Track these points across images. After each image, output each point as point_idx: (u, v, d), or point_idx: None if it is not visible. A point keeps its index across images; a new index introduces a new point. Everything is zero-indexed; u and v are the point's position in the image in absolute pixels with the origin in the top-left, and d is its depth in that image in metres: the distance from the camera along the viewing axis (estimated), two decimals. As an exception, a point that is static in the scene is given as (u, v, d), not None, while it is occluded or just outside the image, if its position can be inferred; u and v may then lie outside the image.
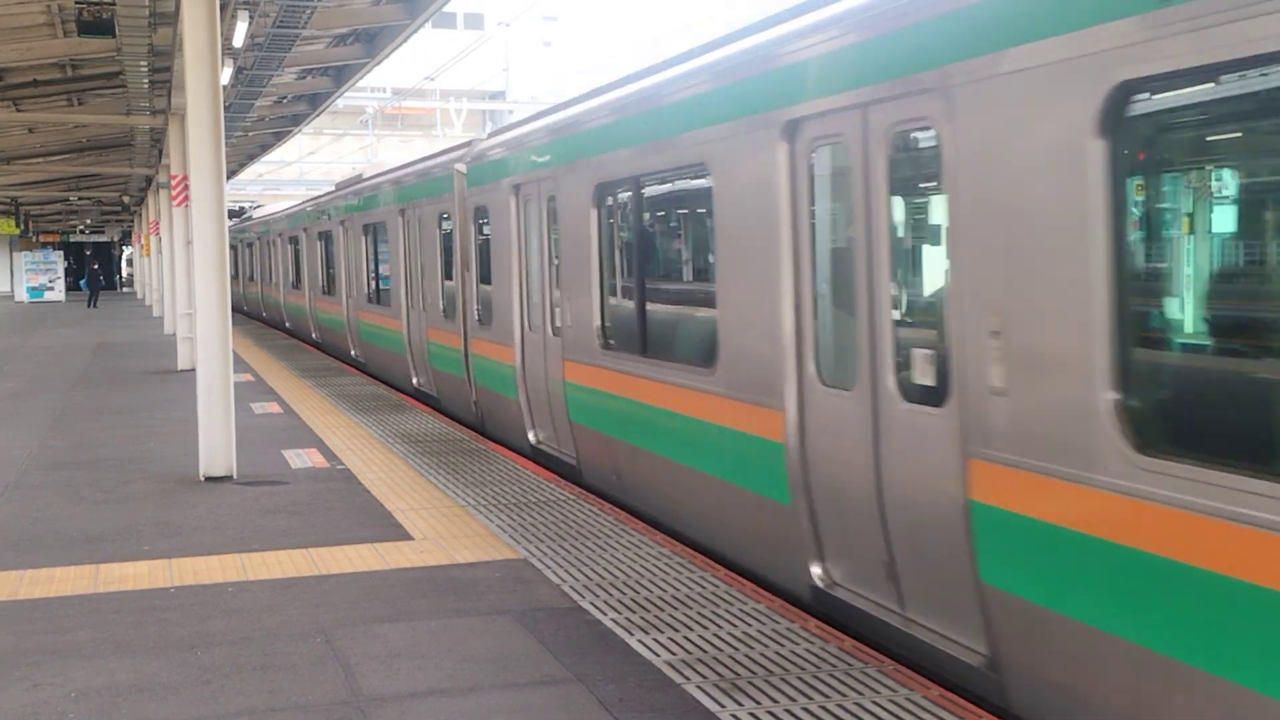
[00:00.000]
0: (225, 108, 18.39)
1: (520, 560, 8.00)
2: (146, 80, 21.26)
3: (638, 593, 7.18)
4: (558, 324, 11.08)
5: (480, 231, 13.97)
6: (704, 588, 7.24)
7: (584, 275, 10.32)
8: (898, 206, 6.25)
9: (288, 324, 31.43)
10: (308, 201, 28.65)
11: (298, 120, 32.28)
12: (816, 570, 7.00)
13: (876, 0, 6.24)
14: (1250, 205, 4.66)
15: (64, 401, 17.55)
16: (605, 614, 6.78)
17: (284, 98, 28.40)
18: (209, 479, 11.16)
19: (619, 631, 6.48)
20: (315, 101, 29.39)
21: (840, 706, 5.39)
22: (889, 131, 6.10)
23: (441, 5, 18.67)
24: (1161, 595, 4.53)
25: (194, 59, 11.40)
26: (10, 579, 7.87)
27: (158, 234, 36.20)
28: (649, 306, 9.41)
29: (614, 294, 10.14)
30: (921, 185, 6.24)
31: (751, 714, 5.32)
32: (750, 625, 6.53)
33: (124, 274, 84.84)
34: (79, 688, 5.88)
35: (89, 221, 68.78)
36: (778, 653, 6.09)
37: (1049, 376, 5.02)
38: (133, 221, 61.38)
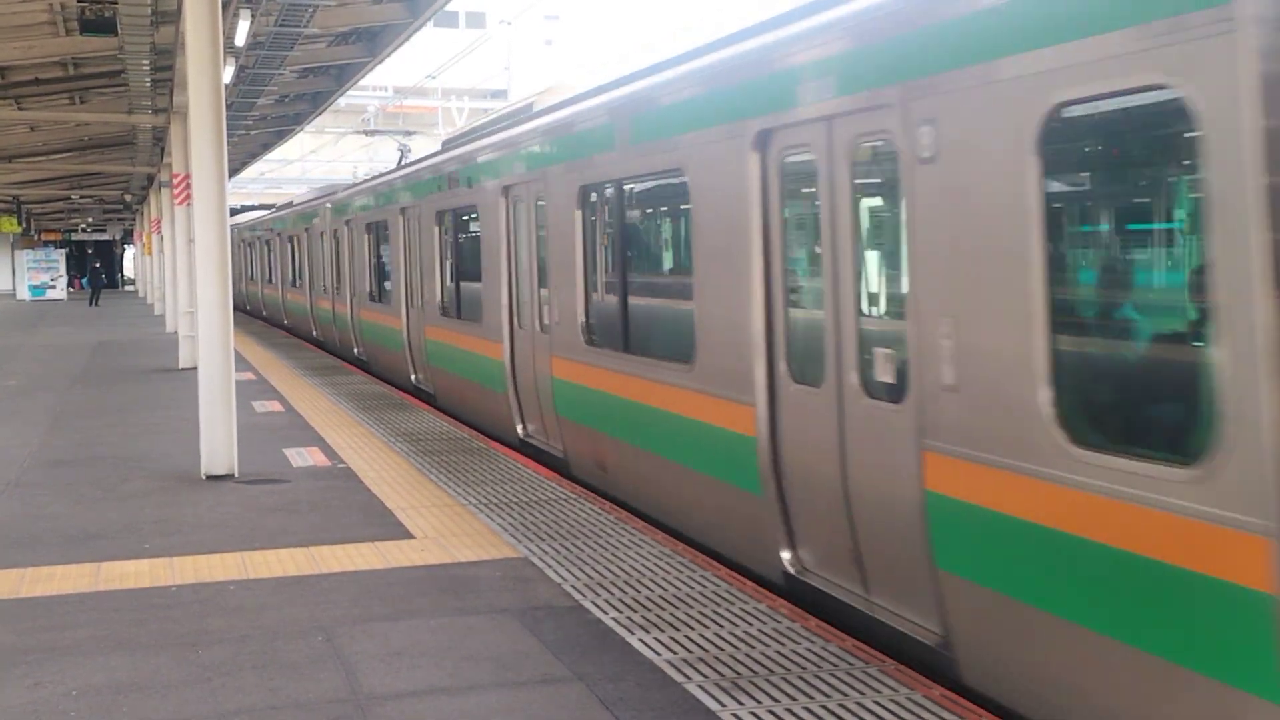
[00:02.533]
0: (227, 106, 18.37)
1: (521, 559, 8.00)
2: (149, 79, 21.26)
3: (638, 591, 7.17)
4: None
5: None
6: (705, 586, 7.24)
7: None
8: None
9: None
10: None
11: (299, 119, 32.28)
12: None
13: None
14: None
15: (65, 399, 17.55)
16: (606, 613, 6.78)
17: (286, 96, 28.40)
18: (210, 477, 11.16)
19: (619, 630, 6.47)
20: (317, 100, 29.39)
21: (841, 705, 5.39)
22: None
23: (443, 4, 18.68)
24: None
25: (196, 58, 11.40)
26: (11, 577, 7.88)
27: (159, 232, 36.23)
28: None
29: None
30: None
31: (752, 713, 5.32)
32: (751, 624, 6.53)
33: (124, 273, 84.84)
34: (79, 686, 5.88)
35: (91, 220, 68.78)
36: (779, 652, 6.09)
37: None
38: (134, 220, 61.40)
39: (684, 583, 7.34)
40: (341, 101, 32.13)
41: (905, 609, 6.28)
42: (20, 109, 24.89)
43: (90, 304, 53.10)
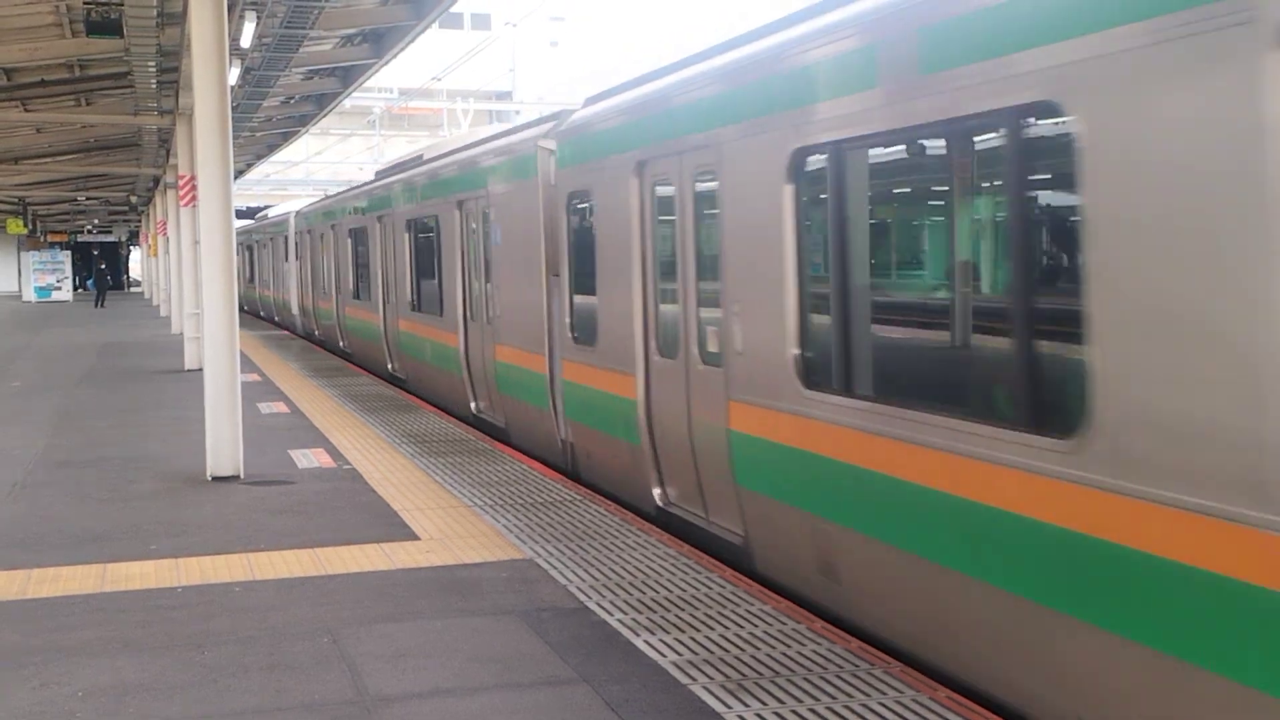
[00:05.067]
0: (233, 108, 18.41)
1: (526, 560, 8.00)
2: (154, 80, 21.30)
3: (644, 593, 7.17)
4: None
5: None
6: (710, 588, 7.24)
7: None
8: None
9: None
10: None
11: (305, 120, 32.32)
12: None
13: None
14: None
15: (71, 400, 17.57)
16: (611, 614, 6.78)
17: (291, 98, 28.43)
18: (216, 478, 11.17)
19: (625, 632, 6.47)
20: (322, 102, 29.43)
21: (846, 707, 5.38)
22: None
23: (449, 6, 18.69)
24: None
25: (202, 59, 11.41)
26: (17, 578, 7.89)
27: (165, 234, 36.29)
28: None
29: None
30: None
31: (758, 715, 5.32)
32: (756, 626, 6.53)
33: (130, 274, 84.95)
34: (86, 686, 5.89)
35: (96, 221, 68.92)
36: (784, 653, 6.09)
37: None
38: (140, 221, 61.51)
39: (689, 584, 7.34)
40: (347, 103, 32.16)
41: None
42: (26, 110, 24.94)
43: (96, 305, 53.21)
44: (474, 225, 14.64)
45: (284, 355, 24.48)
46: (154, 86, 21.98)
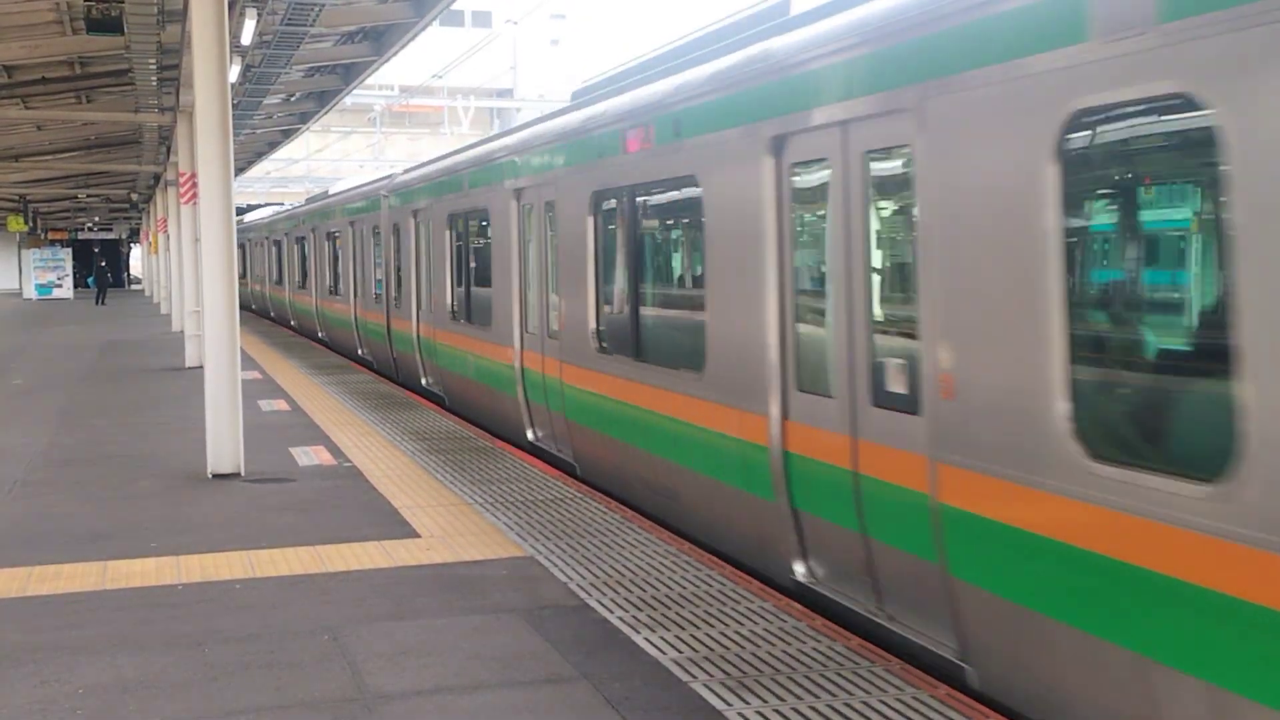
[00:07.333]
0: (233, 105, 18.41)
1: (527, 558, 8.00)
2: (155, 78, 21.30)
3: (644, 591, 7.17)
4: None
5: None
6: (711, 586, 7.24)
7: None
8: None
9: None
10: None
11: (306, 118, 32.32)
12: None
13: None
14: None
15: (72, 398, 17.57)
16: (612, 612, 6.78)
17: (292, 95, 28.43)
18: (216, 476, 11.17)
19: (625, 629, 6.47)
20: (323, 99, 29.43)
21: (847, 705, 5.38)
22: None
23: (449, 3, 18.69)
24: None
25: (202, 56, 11.41)
26: (18, 575, 7.89)
27: (166, 231, 36.31)
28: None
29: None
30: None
31: (758, 712, 5.32)
32: (757, 623, 6.53)
33: (130, 272, 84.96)
34: (87, 684, 5.89)
35: (97, 219, 68.92)
36: (785, 651, 6.09)
37: None
38: (141, 219, 61.53)
39: (690, 582, 7.34)
40: (347, 100, 32.18)
41: None
42: (27, 108, 24.93)
43: (97, 303, 53.22)
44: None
45: (285, 353, 24.48)
46: (154, 84, 21.98)
